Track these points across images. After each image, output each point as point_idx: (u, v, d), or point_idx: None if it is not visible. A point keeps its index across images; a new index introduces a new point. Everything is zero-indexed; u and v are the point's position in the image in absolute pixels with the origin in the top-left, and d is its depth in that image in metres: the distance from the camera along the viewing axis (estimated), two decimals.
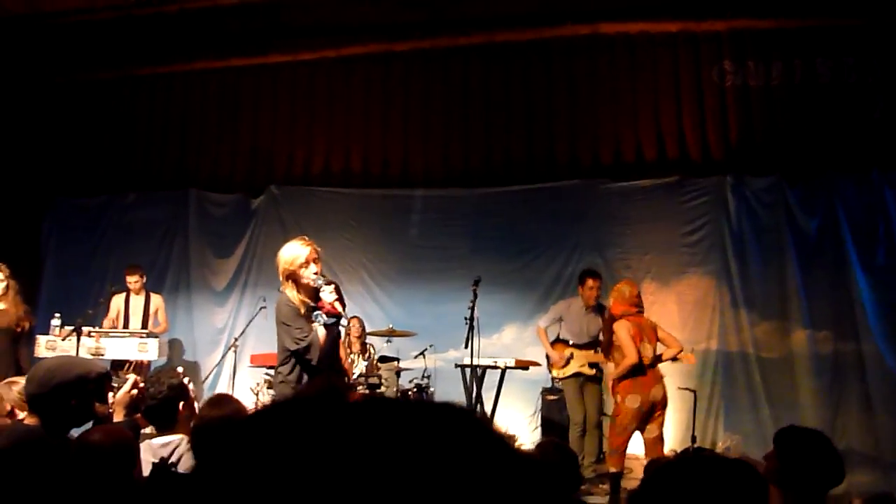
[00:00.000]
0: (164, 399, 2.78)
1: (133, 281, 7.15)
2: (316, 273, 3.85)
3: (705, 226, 7.11)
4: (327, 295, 3.86)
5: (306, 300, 3.89)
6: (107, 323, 7.05)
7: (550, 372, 6.35)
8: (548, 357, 6.28)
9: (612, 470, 5.25)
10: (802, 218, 6.94)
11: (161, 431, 2.81)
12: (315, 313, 3.87)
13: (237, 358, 6.92)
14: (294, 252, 3.86)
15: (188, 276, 8.14)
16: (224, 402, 2.70)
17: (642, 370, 5.18)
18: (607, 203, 7.29)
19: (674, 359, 5.48)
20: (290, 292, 3.87)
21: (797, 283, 6.80)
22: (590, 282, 6.11)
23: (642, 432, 5.29)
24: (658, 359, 5.31)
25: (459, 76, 7.89)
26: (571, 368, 5.99)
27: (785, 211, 6.95)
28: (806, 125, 7.08)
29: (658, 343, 5.39)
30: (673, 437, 6.53)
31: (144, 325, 7.08)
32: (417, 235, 7.66)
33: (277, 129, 8.26)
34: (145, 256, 7.91)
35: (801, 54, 7.18)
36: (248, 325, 7.06)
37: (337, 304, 3.87)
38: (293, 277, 3.86)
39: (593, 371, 6.04)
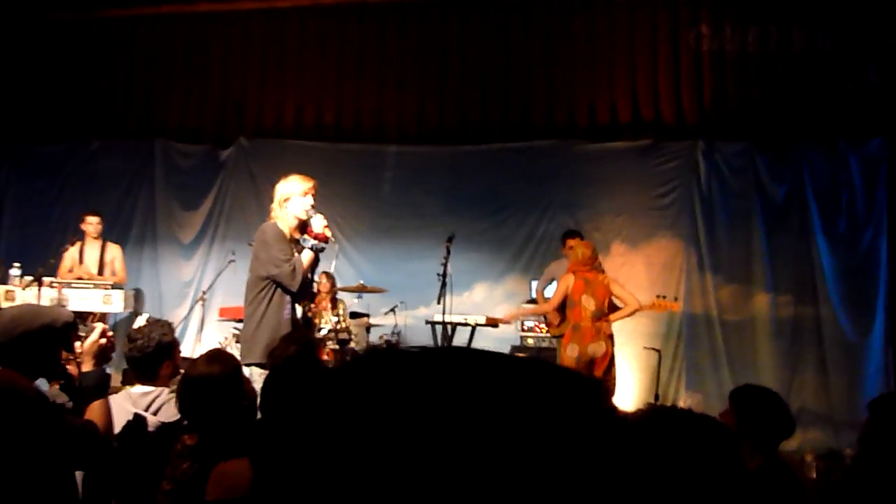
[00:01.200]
0: (149, 354, 2.73)
1: (93, 222, 6.88)
2: (312, 206, 3.92)
3: (676, 189, 7.19)
4: (318, 221, 3.93)
5: (293, 228, 3.94)
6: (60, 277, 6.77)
7: (548, 331, 6.46)
8: (545, 316, 6.39)
9: None
10: (770, 185, 7.06)
11: (141, 382, 2.78)
12: (303, 237, 3.91)
13: (205, 311, 6.85)
14: (294, 183, 3.95)
15: (154, 228, 7.98)
16: (221, 358, 2.63)
17: (583, 322, 5.29)
18: (581, 164, 7.31)
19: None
20: (281, 217, 3.93)
21: (762, 248, 6.94)
22: (570, 241, 6.20)
23: None
24: (603, 314, 5.33)
25: (436, 31, 7.75)
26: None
27: (754, 177, 7.06)
28: (778, 93, 7.15)
29: (611, 299, 5.45)
30: (636, 396, 6.70)
31: (100, 275, 6.90)
32: (390, 192, 7.60)
33: (248, 79, 8.05)
34: (109, 207, 7.71)
35: (776, 21, 7.20)
36: (216, 279, 6.98)
37: (327, 231, 3.96)
38: (287, 205, 3.91)
39: None
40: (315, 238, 3.91)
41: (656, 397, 6.07)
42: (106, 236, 7.15)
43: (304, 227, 3.96)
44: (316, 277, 4.28)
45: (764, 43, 7.21)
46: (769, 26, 7.19)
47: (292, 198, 3.90)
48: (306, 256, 3.89)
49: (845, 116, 7.04)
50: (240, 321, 5.68)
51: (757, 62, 7.22)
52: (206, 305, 6.90)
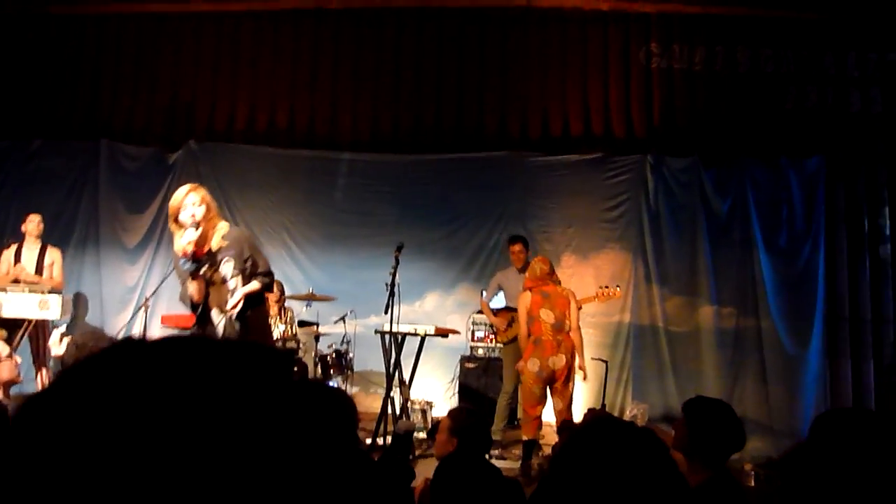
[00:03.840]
0: None
1: (34, 221, 6.53)
2: (192, 217, 3.59)
3: (625, 202, 7.33)
4: (184, 237, 3.57)
5: (185, 245, 3.63)
6: None
7: (497, 340, 6.46)
8: (492, 326, 6.40)
9: (525, 438, 5.33)
10: (715, 199, 7.26)
11: None
12: (180, 261, 3.63)
13: (147, 318, 6.65)
14: (174, 196, 3.68)
15: (97, 231, 7.73)
16: None
17: (544, 336, 5.27)
18: (533, 176, 7.40)
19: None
20: (175, 240, 3.66)
21: (706, 261, 7.13)
22: (513, 247, 6.26)
23: (553, 402, 5.37)
24: (563, 327, 5.27)
25: (392, 39, 7.75)
26: (513, 332, 6.04)
27: (699, 192, 7.25)
28: (724, 110, 7.37)
29: (568, 317, 5.39)
30: (584, 404, 6.77)
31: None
32: (342, 199, 7.54)
33: (199, 81, 7.90)
34: (50, 208, 7.43)
35: (723, 42, 7.45)
36: (160, 285, 6.76)
37: (188, 247, 3.55)
38: (176, 224, 3.64)
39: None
40: (183, 256, 3.59)
41: (603, 407, 6.15)
42: (46, 238, 6.87)
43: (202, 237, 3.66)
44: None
45: (711, 62, 7.44)
46: (716, 47, 7.43)
47: (178, 215, 3.63)
48: (189, 282, 3.63)
49: (786, 135, 7.31)
50: (184, 328, 5.55)
51: (704, 81, 7.44)
52: (150, 312, 6.71)
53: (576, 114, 7.52)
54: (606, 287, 6.16)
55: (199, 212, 3.62)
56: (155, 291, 6.69)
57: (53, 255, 6.70)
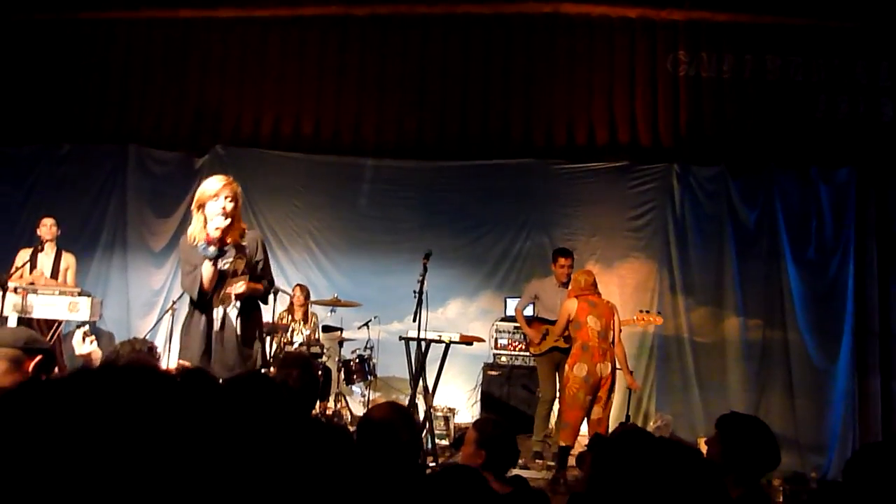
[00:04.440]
0: None
1: (47, 224, 6.55)
2: (223, 209, 3.62)
3: (650, 211, 7.26)
4: (213, 223, 3.61)
5: (209, 233, 3.67)
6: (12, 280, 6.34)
7: (529, 351, 6.44)
8: (525, 336, 6.38)
9: (562, 444, 5.34)
10: (742, 209, 7.17)
11: None
12: (200, 244, 3.64)
13: (173, 322, 6.70)
14: (207, 184, 3.73)
15: (124, 235, 7.82)
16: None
17: (591, 343, 5.35)
18: (558, 183, 7.36)
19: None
20: (194, 225, 3.71)
21: (733, 272, 7.04)
22: (561, 260, 6.22)
23: (591, 411, 5.37)
24: (608, 336, 5.39)
25: (418, 46, 7.76)
26: (547, 344, 6.04)
27: (727, 202, 7.16)
28: (752, 119, 7.29)
29: (613, 327, 5.48)
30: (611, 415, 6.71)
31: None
32: (367, 205, 7.56)
33: (226, 87, 7.97)
34: (78, 212, 7.56)
35: (752, 50, 7.36)
36: None
37: (215, 233, 3.60)
38: (202, 210, 3.67)
39: (568, 345, 6.10)
40: (207, 243, 3.63)
41: (627, 418, 6.09)
42: (74, 243, 6.96)
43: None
44: (292, 289, 4.08)
45: (739, 70, 7.35)
46: (745, 55, 7.35)
47: (206, 202, 3.67)
48: (206, 267, 3.65)
49: (816, 145, 7.20)
50: None
51: (732, 89, 7.36)
52: (176, 316, 6.75)
53: (601, 122, 7.48)
54: (648, 312, 6.16)
55: (230, 206, 3.68)
56: (182, 296, 6.75)
57: (68, 259, 6.74)
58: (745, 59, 7.34)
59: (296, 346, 6.43)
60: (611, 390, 5.35)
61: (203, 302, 3.74)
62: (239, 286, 3.76)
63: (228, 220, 3.65)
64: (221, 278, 3.75)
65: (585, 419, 5.39)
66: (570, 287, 5.72)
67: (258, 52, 7.94)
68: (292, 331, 6.71)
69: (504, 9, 7.56)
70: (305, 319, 6.90)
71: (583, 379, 5.25)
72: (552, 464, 5.63)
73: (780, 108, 7.26)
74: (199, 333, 3.75)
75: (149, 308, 7.63)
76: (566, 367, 5.43)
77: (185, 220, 7.67)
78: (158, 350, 2.77)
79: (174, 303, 6.50)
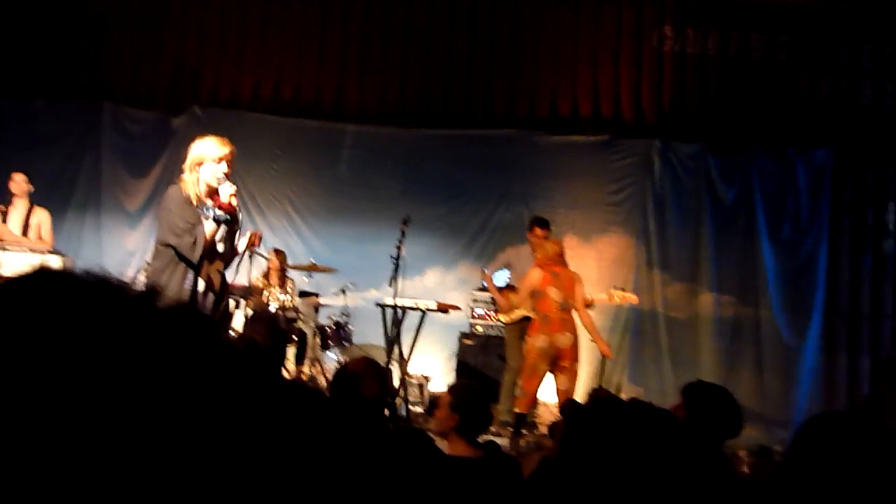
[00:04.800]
0: None
1: (18, 181, 6.32)
2: (225, 173, 3.61)
3: (630, 186, 7.29)
4: (226, 189, 3.62)
5: (201, 194, 3.63)
6: None
7: (498, 318, 6.45)
8: (494, 301, 6.38)
9: (517, 410, 5.37)
10: (721, 187, 7.23)
11: None
12: (206, 206, 3.59)
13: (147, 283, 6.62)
14: (209, 145, 3.65)
15: (98, 195, 7.68)
16: None
17: (551, 314, 5.33)
18: (539, 155, 7.34)
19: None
20: (188, 180, 3.62)
21: (710, 248, 7.11)
22: (537, 230, 6.12)
23: (556, 381, 5.40)
24: (569, 306, 5.35)
25: (402, 12, 7.64)
26: (518, 314, 6.04)
27: (706, 179, 7.21)
28: (734, 97, 7.31)
29: (574, 297, 5.46)
30: (581, 386, 6.79)
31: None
32: (347, 171, 7.50)
33: (205, 46, 7.79)
34: (50, 170, 7.36)
35: (737, 27, 7.36)
36: None
37: (233, 200, 3.65)
38: (199, 169, 3.61)
39: None
40: (219, 208, 3.61)
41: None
42: (46, 201, 6.78)
43: (213, 194, 3.68)
44: (248, 249, 4.01)
45: (724, 48, 7.35)
46: (730, 32, 7.34)
47: (205, 162, 3.60)
48: (209, 227, 3.60)
49: (796, 125, 7.25)
50: None
51: (716, 66, 7.37)
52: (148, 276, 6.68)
53: (585, 95, 7.45)
54: (623, 289, 6.10)
55: (229, 172, 3.68)
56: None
57: (40, 215, 6.52)
58: (730, 36, 7.34)
59: (271, 310, 6.40)
60: (574, 359, 5.32)
61: (197, 262, 3.65)
62: (245, 241, 3.86)
63: (235, 187, 3.70)
64: (212, 244, 3.71)
65: (555, 389, 5.41)
66: (537, 254, 5.66)
67: (239, 11, 7.76)
68: (268, 295, 6.67)
69: None
70: (282, 284, 6.85)
71: (542, 349, 5.25)
72: (525, 432, 5.70)
73: (763, 86, 7.28)
74: (184, 289, 3.64)
75: (123, 268, 7.51)
76: (527, 337, 5.42)
77: (162, 181, 7.61)
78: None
79: (148, 263, 6.40)
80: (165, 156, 7.66)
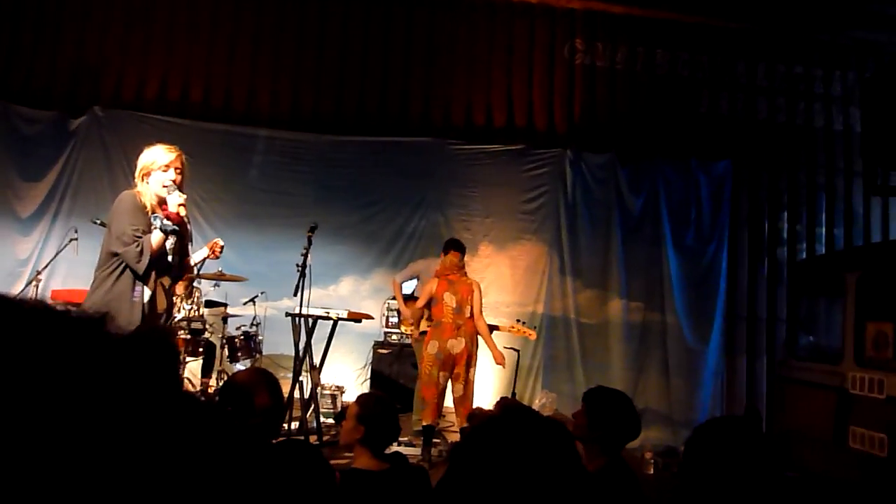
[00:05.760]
0: None
1: None
2: (172, 181, 3.57)
3: (543, 195, 7.42)
4: (174, 199, 3.57)
5: (155, 204, 3.59)
6: None
7: (400, 328, 6.38)
8: (398, 312, 6.31)
9: (424, 423, 5.32)
10: (629, 196, 7.46)
11: None
12: (154, 216, 3.54)
13: (38, 293, 6.23)
14: (155, 153, 3.62)
15: None
16: None
17: (444, 319, 5.33)
18: (454, 164, 7.38)
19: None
20: (142, 190, 3.58)
21: (618, 256, 7.33)
22: (452, 254, 5.99)
23: (452, 388, 5.38)
24: (463, 312, 5.33)
25: (316, 16, 7.52)
26: (423, 326, 6.00)
27: (615, 188, 7.43)
28: (641, 110, 7.58)
29: (471, 303, 5.42)
30: (495, 392, 6.84)
31: None
32: (258, 178, 7.29)
33: (107, 44, 7.42)
34: None
35: (643, 43, 7.65)
36: (54, 258, 6.37)
37: (181, 210, 3.59)
38: (146, 178, 3.57)
39: None
40: (167, 217, 3.55)
41: (513, 395, 6.22)
42: None
43: (163, 203, 3.63)
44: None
45: (631, 62, 7.63)
46: (637, 47, 7.62)
47: (153, 172, 3.56)
48: (155, 237, 3.53)
49: (698, 138, 7.59)
50: (77, 305, 5.21)
51: (624, 80, 7.62)
52: (42, 286, 6.29)
53: (499, 105, 7.55)
54: (524, 324, 6.20)
55: (179, 179, 3.62)
56: (48, 265, 6.30)
57: None
58: (637, 51, 7.62)
59: (176, 321, 6.12)
60: (468, 366, 5.27)
61: (144, 272, 3.50)
62: (201, 253, 3.90)
63: (185, 196, 3.61)
64: (160, 256, 3.58)
65: (451, 396, 5.38)
66: (437, 267, 5.67)
67: (145, 9, 7.44)
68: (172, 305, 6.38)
69: None
70: (189, 294, 6.57)
71: (434, 356, 5.23)
72: (437, 441, 5.67)
73: (667, 100, 7.60)
74: (117, 308, 3.44)
75: (13, 279, 7.02)
76: (422, 345, 5.40)
77: (58, 186, 7.21)
78: None
79: (39, 273, 6.04)
80: (63, 158, 7.25)
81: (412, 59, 7.54)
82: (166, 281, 3.68)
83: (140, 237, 3.50)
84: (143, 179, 3.58)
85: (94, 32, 7.41)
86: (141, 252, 3.47)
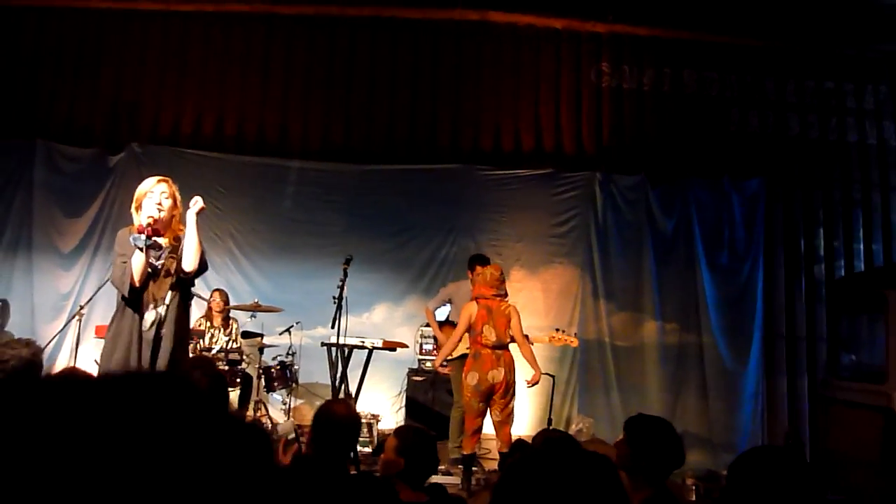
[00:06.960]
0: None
1: None
2: (157, 204, 3.59)
3: (574, 218, 7.41)
4: (149, 211, 3.56)
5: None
6: None
7: (434, 363, 6.37)
8: (435, 338, 6.30)
9: (464, 452, 5.29)
10: (661, 217, 7.42)
11: None
12: (132, 236, 3.54)
13: (81, 327, 6.36)
14: (144, 183, 3.70)
15: (30, 235, 7.38)
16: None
17: (483, 351, 5.25)
18: (484, 189, 7.42)
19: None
20: (134, 221, 3.64)
21: (652, 277, 7.27)
22: (478, 268, 6.03)
23: (491, 413, 5.34)
24: (503, 344, 5.27)
25: (345, 48, 7.68)
26: (459, 350, 5.96)
27: (646, 210, 7.39)
28: (670, 131, 7.56)
29: (509, 332, 5.33)
30: (531, 418, 6.80)
31: None
32: (291, 208, 7.40)
33: (145, 82, 7.65)
34: None
35: (670, 64, 7.65)
36: (96, 292, 6.50)
37: (146, 220, 3.54)
38: (139, 210, 3.63)
39: None
40: (137, 231, 3.55)
41: (549, 421, 6.17)
42: None
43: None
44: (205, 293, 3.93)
45: (658, 83, 7.63)
46: (664, 68, 7.62)
47: (143, 201, 3.62)
48: (136, 258, 3.54)
49: (729, 156, 7.53)
50: None
51: (652, 101, 7.62)
52: (84, 321, 6.42)
53: (527, 129, 7.59)
54: (563, 331, 6.11)
55: (166, 203, 3.65)
56: (91, 299, 6.44)
57: None
58: (664, 72, 7.62)
59: (214, 352, 6.22)
60: (507, 393, 5.20)
61: (133, 298, 3.57)
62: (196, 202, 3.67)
63: (162, 213, 3.61)
64: (153, 275, 3.61)
65: (492, 422, 5.34)
66: (475, 282, 5.54)
67: (179, 47, 7.67)
68: (210, 337, 6.49)
69: (432, 14, 7.58)
70: (225, 325, 6.68)
71: (474, 387, 5.17)
72: (476, 469, 5.63)
73: (696, 120, 7.57)
74: (124, 340, 3.54)
75: (56, 312, 7.22)
76: (462, 375, 5.36)
77: (98, 220, 7.41)
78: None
79: (82, 307, 6.18)
80: (102, 195, 7.45)
81: (439, 87, 7.64)
82: (164, 283, 3.68)
83: (123, 262, 3.58)
84: (136, 211, 3.66)
85: (130, 72, 7.64)
86: (122, 273, 3.55)
